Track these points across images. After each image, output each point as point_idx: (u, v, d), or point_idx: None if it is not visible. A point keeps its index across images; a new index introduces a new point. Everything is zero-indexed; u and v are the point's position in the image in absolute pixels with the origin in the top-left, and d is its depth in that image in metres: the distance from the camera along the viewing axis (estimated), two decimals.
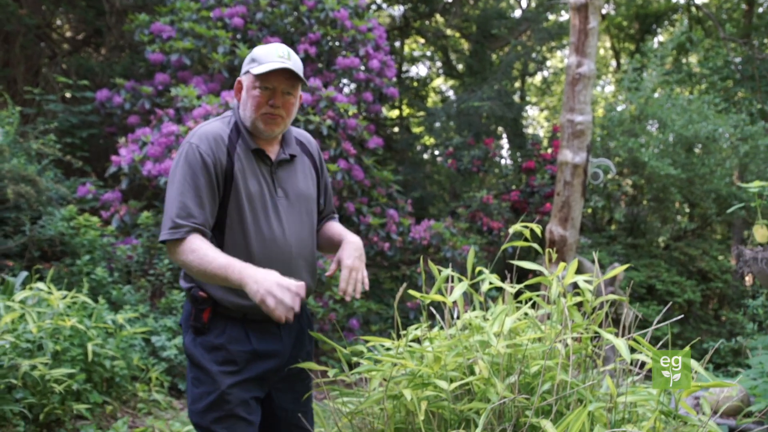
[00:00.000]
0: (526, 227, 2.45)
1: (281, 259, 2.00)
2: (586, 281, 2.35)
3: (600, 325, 2.22)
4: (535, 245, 2.38)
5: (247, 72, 2.01)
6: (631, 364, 2.18)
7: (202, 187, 1.92)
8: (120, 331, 4.20)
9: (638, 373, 2.65)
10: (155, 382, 4.37)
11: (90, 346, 3.63)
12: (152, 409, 4.12)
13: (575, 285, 2.27)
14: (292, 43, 6.75)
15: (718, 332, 8.16)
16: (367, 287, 2.07)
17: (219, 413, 1.95)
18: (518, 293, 2.25)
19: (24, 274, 4.31)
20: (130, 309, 4.68)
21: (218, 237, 1.99)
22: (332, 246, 2.21)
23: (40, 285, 3.80)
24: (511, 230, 2.40)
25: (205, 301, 1.98)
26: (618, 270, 2.37)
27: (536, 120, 15.09)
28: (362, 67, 6.98)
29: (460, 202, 8.84)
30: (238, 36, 6.64)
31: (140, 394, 4.16)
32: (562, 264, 2.33)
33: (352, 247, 2.07)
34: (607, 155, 8.10)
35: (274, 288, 1.73)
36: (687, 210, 9.52)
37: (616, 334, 2.15)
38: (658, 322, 7.30)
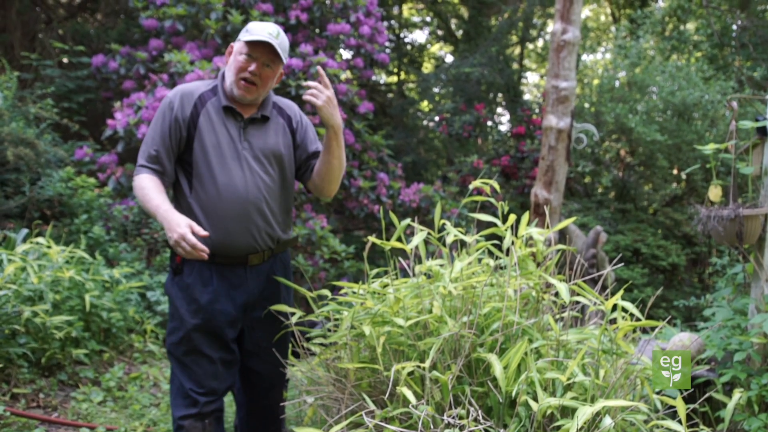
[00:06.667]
0: (486, 183, 2.66)
1: (236, 202, 2.21)
2: (540, 233, 2.57)
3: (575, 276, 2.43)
4: (493, 200, 2.59)
5: (239, 39, 2.29)
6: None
7: (165, 133, 2.22)
8: (116, 285, 4.43)
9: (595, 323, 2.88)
10: (150, 334, 4.61)
11: (88, 297, 3.85)
12: (147, 359, 4.37)
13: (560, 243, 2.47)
14: (284, 10, 6.85)
15: (702, 294, 8.38)
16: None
17: (186, 347, 2.23)
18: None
19: (25, 231, 4.52)
20: (126, 265, 4.90)
21: (188, 179, 2.25)
22: (324, 161, 2.35)
23: (40, 240, 4.03)
24: (471, 186, 2.60)
25: None
26: (566, 222, 2.58)
27: (538, 86, 15.10)
28: (354, 33, 7.08)
29: (454, 167, 9.00)
30: (231, 2, 6.74)
31: (136, 345, 4.40)
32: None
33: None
34: (597, 122, 8.22)
35: (178, 238, 2.00)
36: (675, 173, 9.64)
37: (603, 295, 2.35)
38: (643, 286, 7.57)
